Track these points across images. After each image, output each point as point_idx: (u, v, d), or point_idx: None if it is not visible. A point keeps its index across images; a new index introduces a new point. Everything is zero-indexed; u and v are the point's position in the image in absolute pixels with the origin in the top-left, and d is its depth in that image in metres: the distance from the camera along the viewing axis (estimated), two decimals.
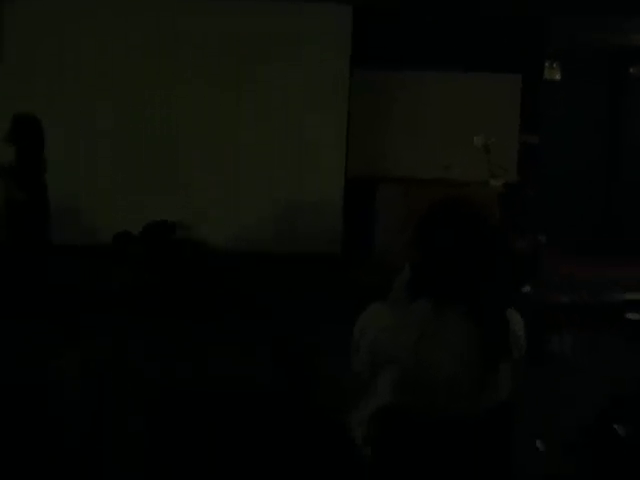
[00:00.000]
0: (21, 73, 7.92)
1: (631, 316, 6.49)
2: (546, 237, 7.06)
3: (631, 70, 9.91)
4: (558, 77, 9.39)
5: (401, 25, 8.30)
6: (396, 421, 1.97)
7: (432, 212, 2.07)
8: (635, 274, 7.86)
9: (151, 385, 3.90)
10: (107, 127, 8.04)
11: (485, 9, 8.10)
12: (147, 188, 8.03)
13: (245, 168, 8.24)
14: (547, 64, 9.14)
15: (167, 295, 6.66)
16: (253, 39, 8.19)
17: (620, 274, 7.97)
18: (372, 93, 8.40)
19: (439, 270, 1.99)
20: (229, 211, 8.17)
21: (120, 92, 8.07)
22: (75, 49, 8.04)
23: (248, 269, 7.66)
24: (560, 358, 5.68)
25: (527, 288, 6.22)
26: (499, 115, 8.39)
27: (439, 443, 1.95)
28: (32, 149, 6.15)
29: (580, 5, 7.83)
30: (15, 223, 6.22)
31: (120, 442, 3.44)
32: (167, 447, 2.59)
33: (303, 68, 8.22)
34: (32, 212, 6.24)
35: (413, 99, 8.45)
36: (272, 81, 8.21)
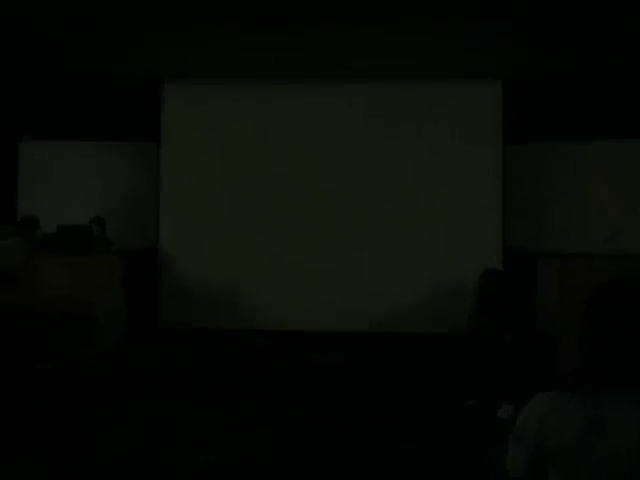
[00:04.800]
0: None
1: None
2: None
3: None
4: None
5: (553, 94, 8.14)
6: None
7: (602, 293, 1.93)
8: None
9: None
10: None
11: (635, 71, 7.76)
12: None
13: (401, 247, 8.22)
14: None
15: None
16: (402, 119, 8.25)
17: None
18: (527, 166, 8.24)
19: (613, 354, 1.85)
20: (387, 294, 8.14)
21: (265, 176, 8.36)
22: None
23: (405, 351, 7.65)
24: None
25: None
26: None
27: None
28: None
29: None
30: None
31: None
32: None
33: (456, 145, 8.19)
34: None
35: (571, 169, 8.20)
36: (425, 159, 8.22)
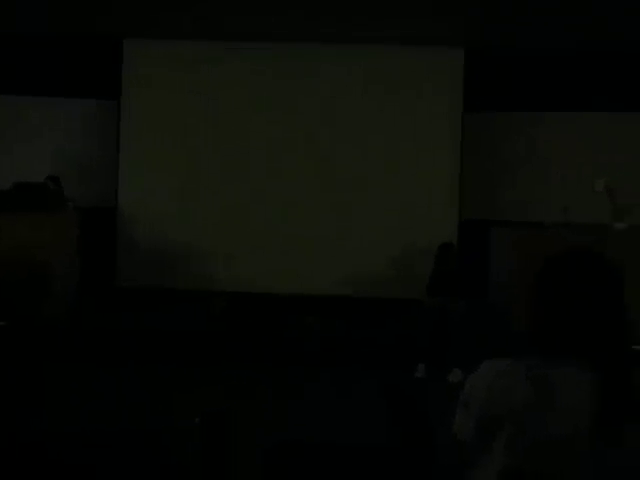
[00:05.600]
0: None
1: None
2: None
3: None
4: None
5: (513, 65, 8.14)
6: None
7: (552, 264, 1.95)
8: None
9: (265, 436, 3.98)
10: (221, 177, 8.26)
11: (598, 45, 7.80)
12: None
13: (357, 212, 8.21)
14: None
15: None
16: (365, 84, 8.19)
17: None
18: (485, 135, 8.27)
19: (561, 324, 1.88)
20: (342, 258, 8.13)
21: (239, 141, 8.25)
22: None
23: (360, 315, 7.69)
24: None
25: None
26: (622, 155, 7.99)
27: None
28: None
29: None
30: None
31: None
32: None
33: (415, 112, 8.17)
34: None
35: (528, 140, 8.24)
36: (384, 125, 8.19)
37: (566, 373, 1.83)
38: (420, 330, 6.45)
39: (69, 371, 5.76)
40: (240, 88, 8.19)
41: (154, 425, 4.16)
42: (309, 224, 8.19)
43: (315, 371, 6.28)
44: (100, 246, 7.99)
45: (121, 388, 5.54)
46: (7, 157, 8.09)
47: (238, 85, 8.19)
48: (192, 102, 8.17)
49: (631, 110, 7.99)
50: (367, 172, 8.21)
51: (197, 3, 7.06)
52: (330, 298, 8.01)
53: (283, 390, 5.74)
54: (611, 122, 8.06)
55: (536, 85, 8.12)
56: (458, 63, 8.11)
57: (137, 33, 8.06)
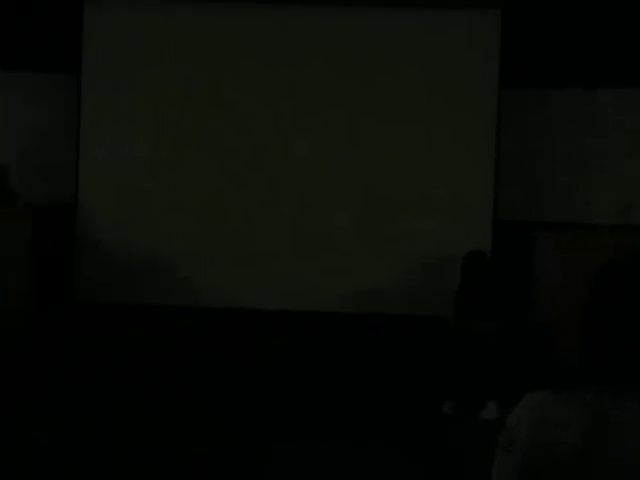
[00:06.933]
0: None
1: None
2: None
3: None
4: None
5: (559, 32, 7.36)
6: None
7: (605, 275, 1.71)
8: None
9: None
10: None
11: None
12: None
13: (378, 212, 7.47)
14: None
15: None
16: (372, 58, 7.44)
17: None
18: (526, 116, 7.57)
19: (623, 350, 1.63)
20: (366, 269, 7.42)
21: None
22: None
23: (366, 337, 7.19)
24: None
25: None
26: None
27: None
28: None
29: None
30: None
31: None
32: None
33: (440, 89, 7.42)
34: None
35: (579, 123, 7.50)
36: (401, 106, 7.43)
37: (629, 410, 1.60)
38: (445, 358, 6.18)
39: (20, 403, 5.38)
40: (204, 60, 7.48)
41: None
42: (300, 220, 7.49)
43: (313, 407, 5.81)
44: (55, 252, 7.25)
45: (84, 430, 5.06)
46: None
47: (203, 56, 7.48)
48: (159, 75, 7.40)
49: None
50: (371, 157, 7.48)
51: None
52: (326, 315, 7.34)
53: (274, 432, 5.21)
54: None
55: (591, 56, 7.30)
56: (495, 29, 7.29)
57: None
